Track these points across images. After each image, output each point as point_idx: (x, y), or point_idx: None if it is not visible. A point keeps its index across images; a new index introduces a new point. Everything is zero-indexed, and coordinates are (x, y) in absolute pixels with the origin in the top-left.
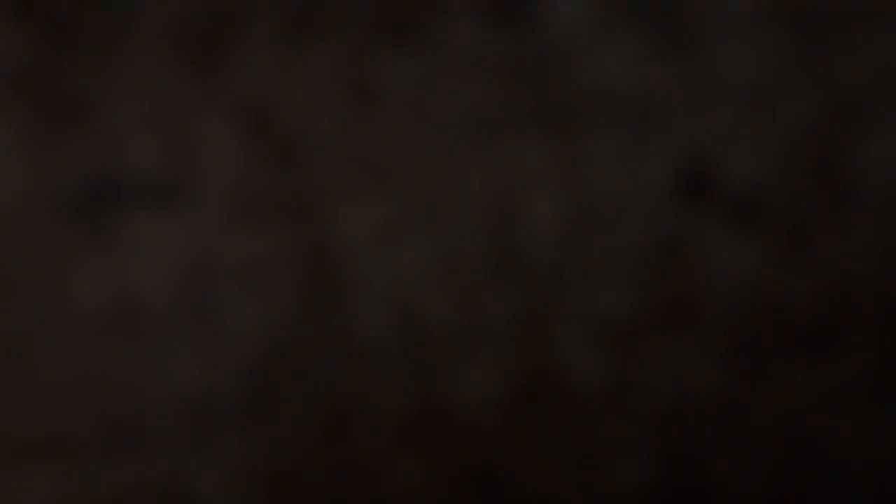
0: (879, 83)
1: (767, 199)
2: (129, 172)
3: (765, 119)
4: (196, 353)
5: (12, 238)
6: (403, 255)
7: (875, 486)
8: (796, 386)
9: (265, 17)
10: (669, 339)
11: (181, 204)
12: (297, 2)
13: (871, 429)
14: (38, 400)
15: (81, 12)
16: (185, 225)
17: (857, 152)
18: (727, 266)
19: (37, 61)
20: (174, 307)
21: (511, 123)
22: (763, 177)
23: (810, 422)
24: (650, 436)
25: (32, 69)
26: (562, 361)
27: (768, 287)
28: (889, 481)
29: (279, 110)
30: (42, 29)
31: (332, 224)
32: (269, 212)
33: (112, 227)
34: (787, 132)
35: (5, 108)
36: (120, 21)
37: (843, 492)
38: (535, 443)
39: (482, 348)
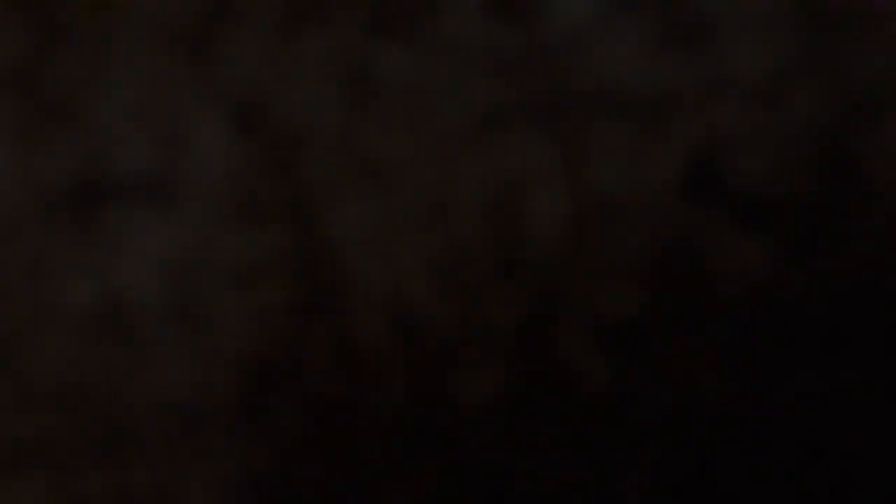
0: (892, 79)
1: (779, 198)
2: (120, 170)
3: (776, 115)
4: (188, 355)
5: None
6: (401, 255)
7: (886, 491)
8: (807, 388)
9: (259, 10)
10: (677, 341)
11: (173, 202)
12: None
13: (886, 433)
14: (24, 404)
15: (70, 6)
16: (177, 224)
17: (871, 150)
18: (737, 266)
19: (24, 56)
20: (165, 308)
21: (514, 119)
22: (774, 175)
23: (822, 426)
24: (656, 440)
25: (20, 64)
26: (565, 364)
27: (779, 287)
28: None
29: (273, 106)
30: (30, 23)
31: (328, 222)
32: (264, 210)
33: (102, 226)
34: (799, 129)
35: None
36: (110, 14)
37: (854, 496)
38: (538, 447)
39: (483, 350)
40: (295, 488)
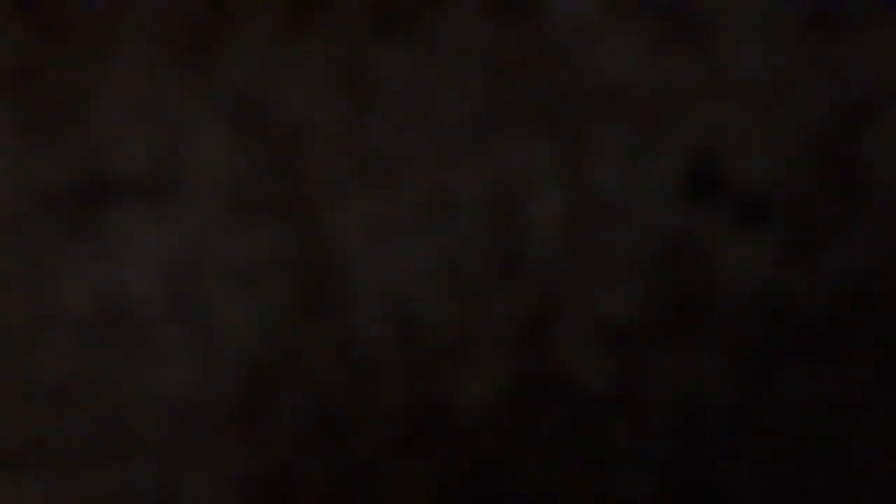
0: (893, 78)
1: (779, 198)
2: (120, 170)
3: (776, 115)
4: (189, 356)
5: None
6: (402, 255)
7: (886, 491)
8: (808, 388)
9: (259, 10)
10: (677, 342)
11: (173, 202)
12: None
13: (886, 432)
14: (24, 404)
15: (71, 6)
16: (178, 224)
17: (871, 150)
18: (737, 267)
19: (24, 55)
20: (166, 309)
21: (514, 119)
22: (774, 175)
23: (822, 425)
24: (657, 442)
25: (19, 63)
26: (565, 365)
27: (779, 288)
28: None
29: (274, 106)
30: (30, 23)
31: (328, 223)
32: (264, 211)
33: (101, 226)
34: (800, 129)
35: None
36: (110, 13)
37: (854, 496)
38: (538, 449)
39: (483, 351)
40: (295, 488)
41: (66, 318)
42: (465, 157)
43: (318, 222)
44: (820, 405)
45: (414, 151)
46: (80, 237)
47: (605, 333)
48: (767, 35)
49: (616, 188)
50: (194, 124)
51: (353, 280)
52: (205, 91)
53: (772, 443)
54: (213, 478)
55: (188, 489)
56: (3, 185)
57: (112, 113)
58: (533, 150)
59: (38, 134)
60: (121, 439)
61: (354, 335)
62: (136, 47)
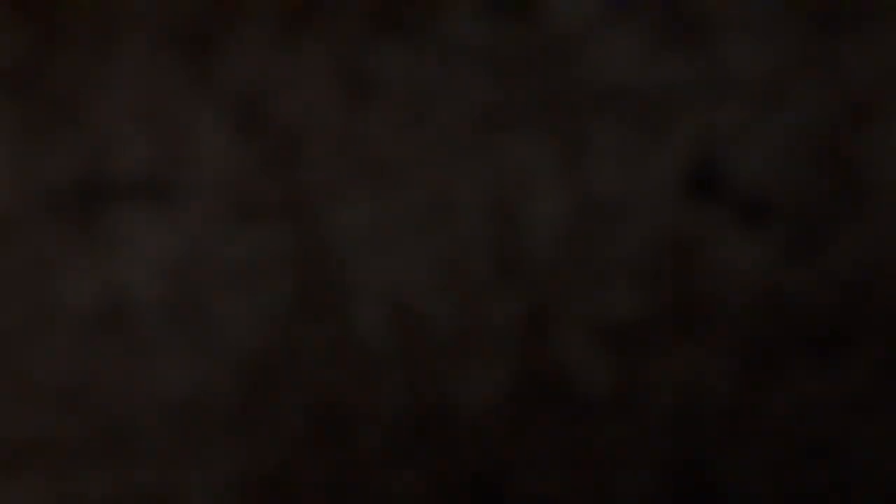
0: (892, 78)
1: (778, 197)
2: (120, 170)
3: (776, 115)
4: (188, 355)
5: None
6: (402, 254)
7: (886, 491)
8: (808, 389)
9: (259, 10)
10: (677, 341)
11: (172, 202)
12: None
13: (887, 433)
14: (24, 404)
15: (71, 6)
16: (177, 224)
17: (871, 149)
18: (737, 266)
19: (25, 56)
20: (165, 308)
21: (514, 119)
22: (774, 174)
23: (823, 426)
24: (657, 440)
25: (20, 64)
26: (565, 364)
27: (780, 287)
28: None
29: (274, 106)
30: (30, 23)
31: (327, 222)
32: (263, 210)
33: (102, 227)
34: (799, 128)
35: None
36: (110, 14)
37: (854, 496)
38: (538, 448)
39: (483, 350)
40: (295, 488)
41: (66, 318)
42: (465, 156)
43: (318, 222)
44: (820, 405)
45: (414, 151)
46: (81, 237)
47: (605, 334)
48: (767, 35)
49: (616, 188)
50: (194, 124)
51: (353, 280)
52: (204, 91)
53: (772, 443)
54: (212, 478)
55: (188, 489)
56: (4, 184)
57: (112, 113)
58: (533, 150)
59: (38, 134)
60: (121, 439)
61: (354, 335)
62: (136, 47)
